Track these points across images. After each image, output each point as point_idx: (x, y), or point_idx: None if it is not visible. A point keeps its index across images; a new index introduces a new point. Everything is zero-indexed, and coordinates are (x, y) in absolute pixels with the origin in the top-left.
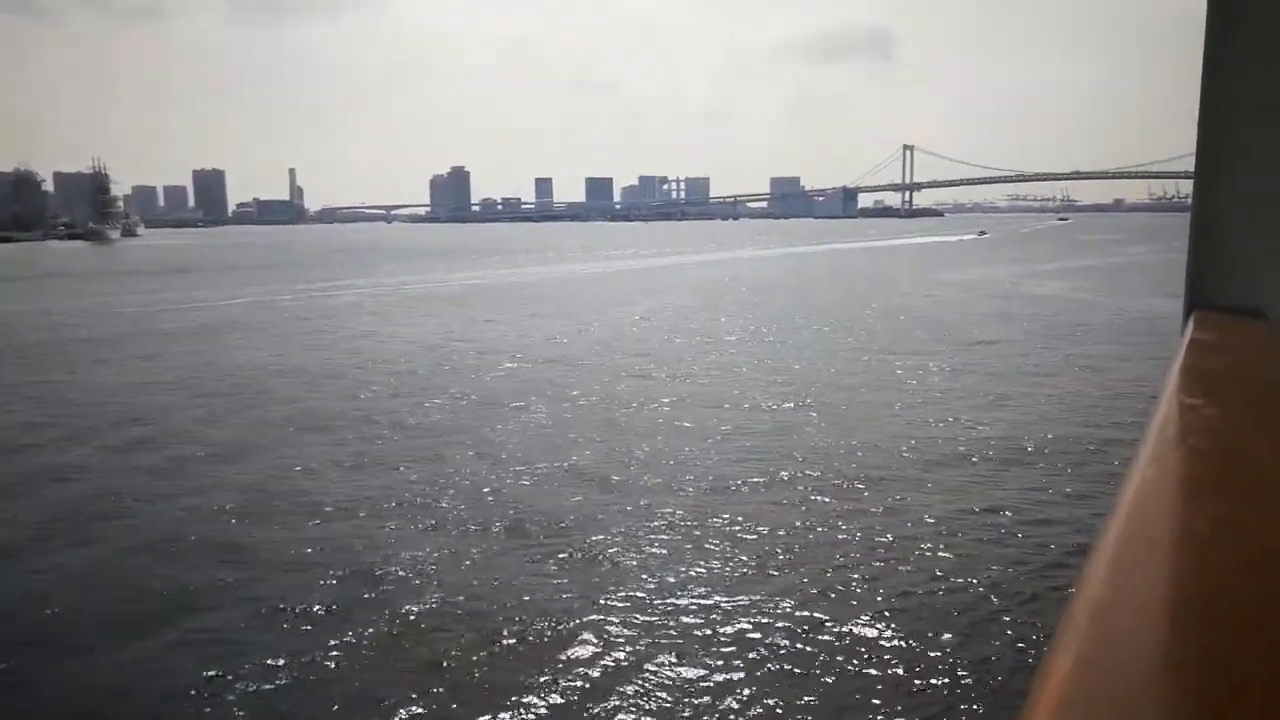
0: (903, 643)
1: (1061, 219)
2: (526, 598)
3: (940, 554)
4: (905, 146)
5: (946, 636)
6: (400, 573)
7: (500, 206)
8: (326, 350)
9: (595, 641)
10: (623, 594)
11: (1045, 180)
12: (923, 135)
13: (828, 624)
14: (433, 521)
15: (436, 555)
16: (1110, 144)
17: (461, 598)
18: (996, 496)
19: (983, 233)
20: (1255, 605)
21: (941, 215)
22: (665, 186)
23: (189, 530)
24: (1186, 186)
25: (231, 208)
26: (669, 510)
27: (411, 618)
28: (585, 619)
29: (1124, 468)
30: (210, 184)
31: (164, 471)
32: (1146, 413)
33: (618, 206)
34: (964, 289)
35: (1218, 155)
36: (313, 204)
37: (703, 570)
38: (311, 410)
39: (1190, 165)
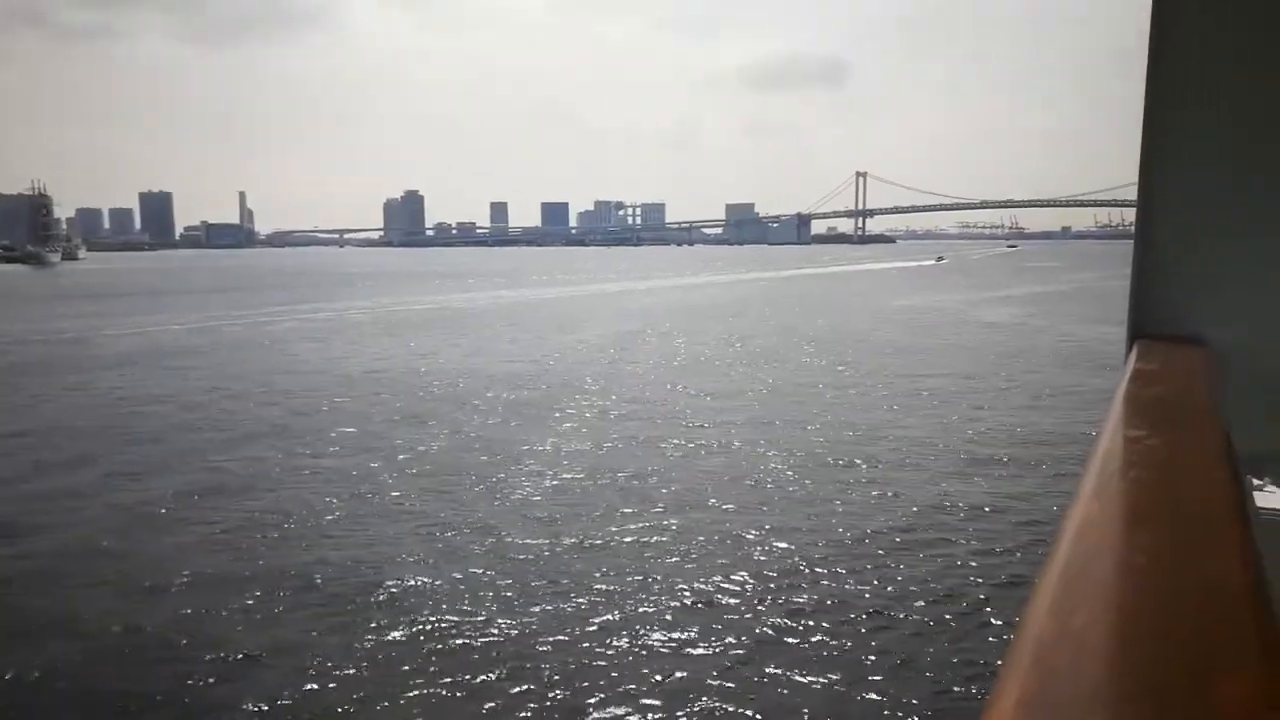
0: (840, 688)
1: (1011, 246)
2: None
3: (878, 593)
4: (858, 173)
5: (884, 686)
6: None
7: (455, 231)
8: (255, 380)
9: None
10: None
11: (995, 208)
12: (875, 163)
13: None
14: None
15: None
16: (1058, 172)
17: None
18: (943, 526)
19: (941, 258)
20: (1198, 639)
21: (894, 242)
22: (621, 212)
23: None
24: (1132, 214)
25: (179, 231)
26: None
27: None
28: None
29: (1067, 501)
30: (157, 206)
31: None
32: (1091, 443)
33: (574, 231)
34: (918, 315)
35: (1159, 186)
36: (263, 227)
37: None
38: (226, 445)
39: (1133, 194)
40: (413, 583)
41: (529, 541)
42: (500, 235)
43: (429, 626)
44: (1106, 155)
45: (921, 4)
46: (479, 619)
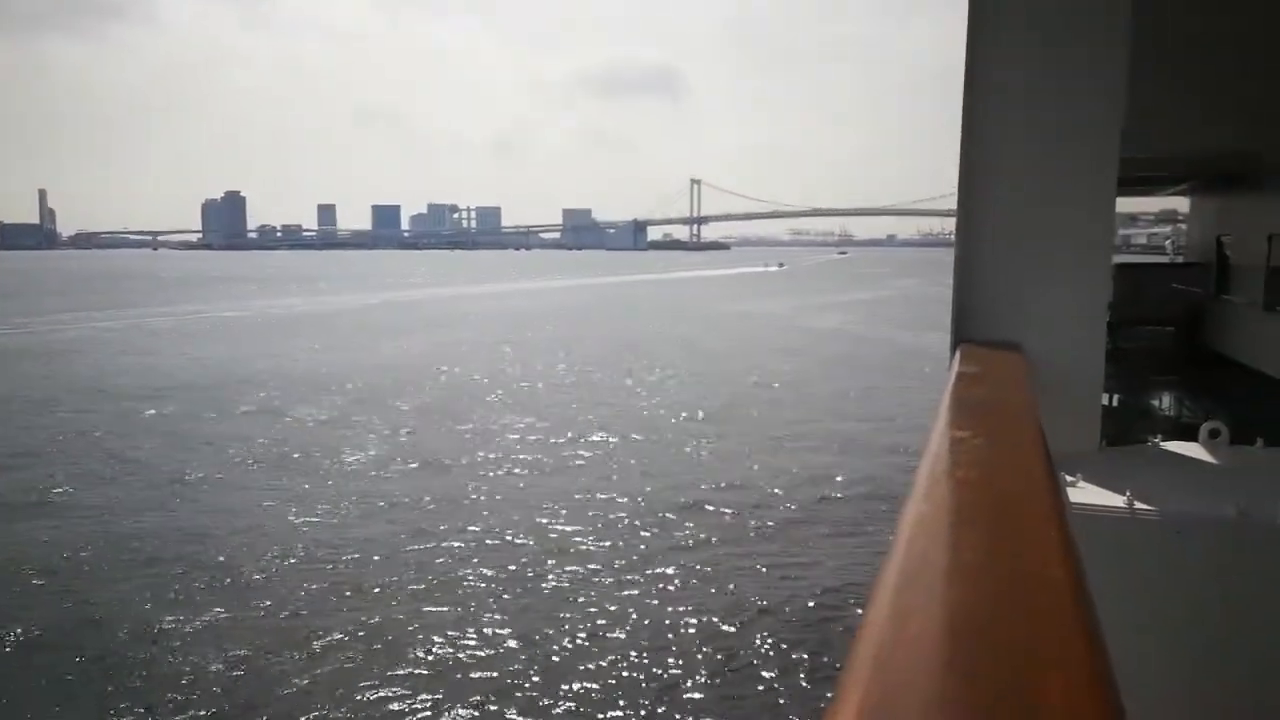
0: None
1: (841, 253)
2: None
3: (711, 604)
4: (693, 180)
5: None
6: None
7: (280, 234)
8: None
9: None
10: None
11: (825, 215)
12: (710, 171)
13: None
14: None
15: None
16: (884, 182)
17: None
18: (772, 537)
19: (781, 264)
20: (1025, 635)
21: (728, 248)
22: (456, 215)
23: None
24: (951, 224)
25: None
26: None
27: None
28: None
29: (899, 502)
30: None
31: None
32: (920, 444)
33: (406, 235)
34: (752, 321)
35: (977, 202)
36: (67, 228)
37: None
38: None
39: (954, 204)
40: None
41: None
42: (328, 238)
43: None
44: (928, 168)
45: (749, 22)
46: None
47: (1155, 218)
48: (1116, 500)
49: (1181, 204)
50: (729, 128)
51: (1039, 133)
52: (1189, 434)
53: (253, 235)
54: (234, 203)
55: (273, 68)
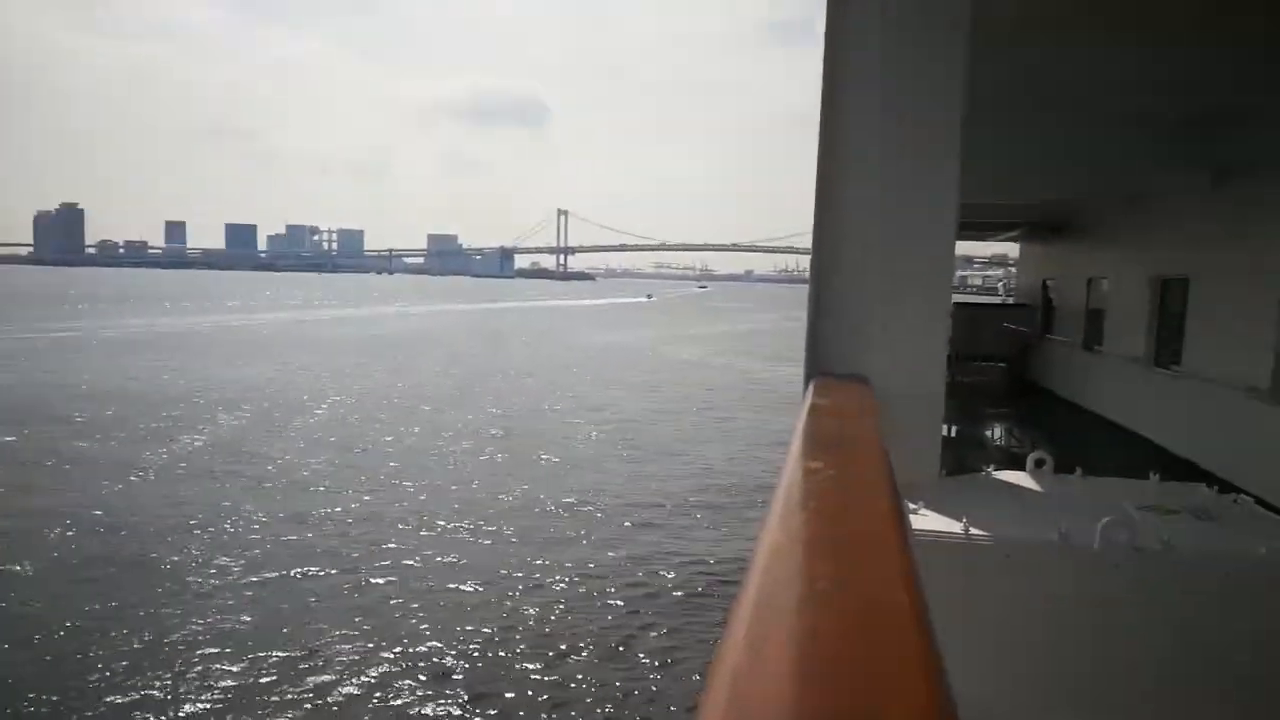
0: None
1: (701, 287)
2: None
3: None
4: (560, 211)
5: None
6: None
7: (123, 250)
8: None
9: None
10: None
11: (686, 250)
12: (576, 202)
13: None
14: None
15: None
16: (741, 220)
17: None
18: (626, 567)
19: (650, 296)
20: (872, 658)
21: (593, 279)
22: (316, 237)
23: None
24: (805, 261)
25: None
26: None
27: None
28: None
29: (757, 530)
30: None
31: None
32: (775, 475)
33: (263, 256)
34: (621, 351)
35: (830, 243)
36: None
37: None
38: None
39: (808, 242)
40: None
41: None
42: (177, 257)
43: None
44: (787, 207)
45: (617, 68)
46: None
47: (988, 260)
48: (954, 526)
49: (1012, 249)
50: (593, 161)
51: (889, 180)
52: (1019, 463)
53: (92, 251)
54: (70, 216)
55: (118, 76)
